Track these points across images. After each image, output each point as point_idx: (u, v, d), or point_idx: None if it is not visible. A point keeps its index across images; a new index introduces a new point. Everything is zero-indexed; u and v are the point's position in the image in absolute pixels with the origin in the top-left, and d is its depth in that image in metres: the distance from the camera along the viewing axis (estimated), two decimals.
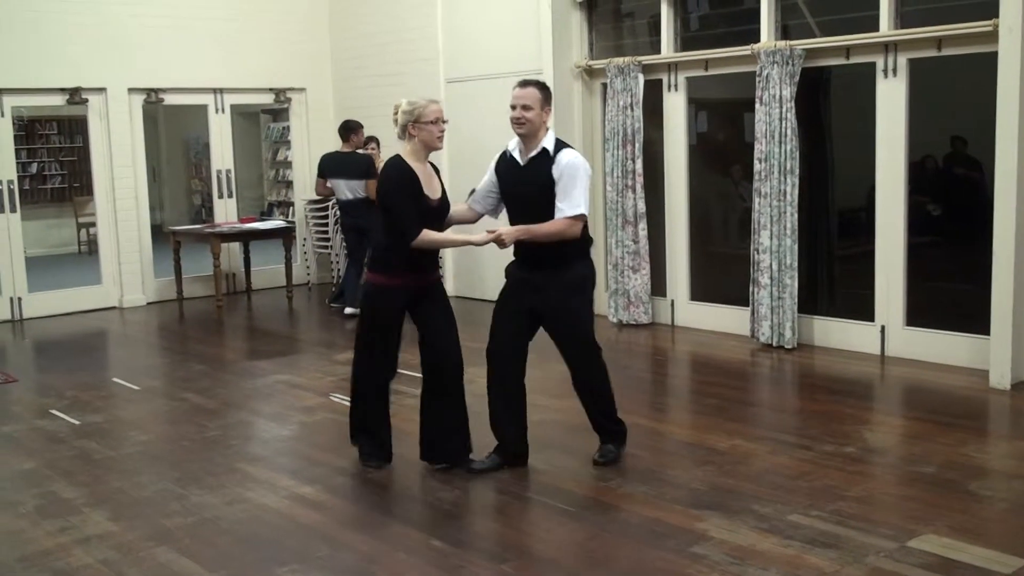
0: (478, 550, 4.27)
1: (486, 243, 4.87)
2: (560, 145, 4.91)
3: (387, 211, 4.88)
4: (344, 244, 11.02)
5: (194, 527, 4.56)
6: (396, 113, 4.99)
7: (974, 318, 6.88)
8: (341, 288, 10.33)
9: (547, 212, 4.82)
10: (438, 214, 4.99)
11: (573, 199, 4.78)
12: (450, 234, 5.27)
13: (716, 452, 5.36)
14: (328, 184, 9.62)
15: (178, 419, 6.41)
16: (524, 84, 4.93)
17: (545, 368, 7.45)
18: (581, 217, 4.82)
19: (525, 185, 4.91)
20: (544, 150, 4.86)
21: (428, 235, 4.85)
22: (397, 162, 4.92)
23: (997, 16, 6.37)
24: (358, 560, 4.19)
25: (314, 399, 6.74)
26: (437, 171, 5.11)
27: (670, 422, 6.12)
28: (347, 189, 9.44)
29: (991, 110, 6.39)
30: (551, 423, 6.00)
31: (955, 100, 7.55)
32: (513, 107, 4.87)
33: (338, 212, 10.31)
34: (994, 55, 6.40)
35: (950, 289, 7.88)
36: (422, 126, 4.89)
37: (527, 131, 4.86)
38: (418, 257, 4.93)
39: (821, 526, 4.30)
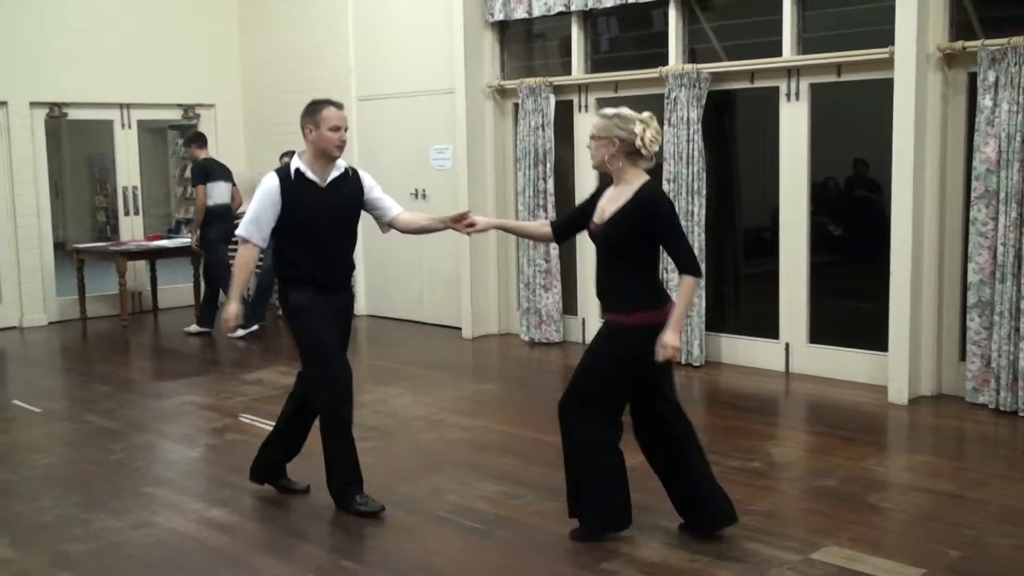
0: (389, 570, 4.25)
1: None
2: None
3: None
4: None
5: (98, 553, 4.46)
6: None
7: (874, 335, 7.09)
8: (251, 307, 10.19)
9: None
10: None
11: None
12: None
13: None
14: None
15: (81, 442, 6.26)
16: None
17: (458, 387, 7.50)
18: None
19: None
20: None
21: None
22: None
23: (893, 44, 6.61)
24: None
25: (223, 420, 6.64)
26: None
27: None
28: (227, 193, 9.76)
29: (887, 134, 6.62)
30: (461, 442, 6.01)
31: (857, 124, 7.80)
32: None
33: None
34: (887, 81, 6.63)
35: (851, 307, 8.11)
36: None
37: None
38: None
39: (728, 540, 4.38)
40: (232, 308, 4.78)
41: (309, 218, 4.71)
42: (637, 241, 4.26)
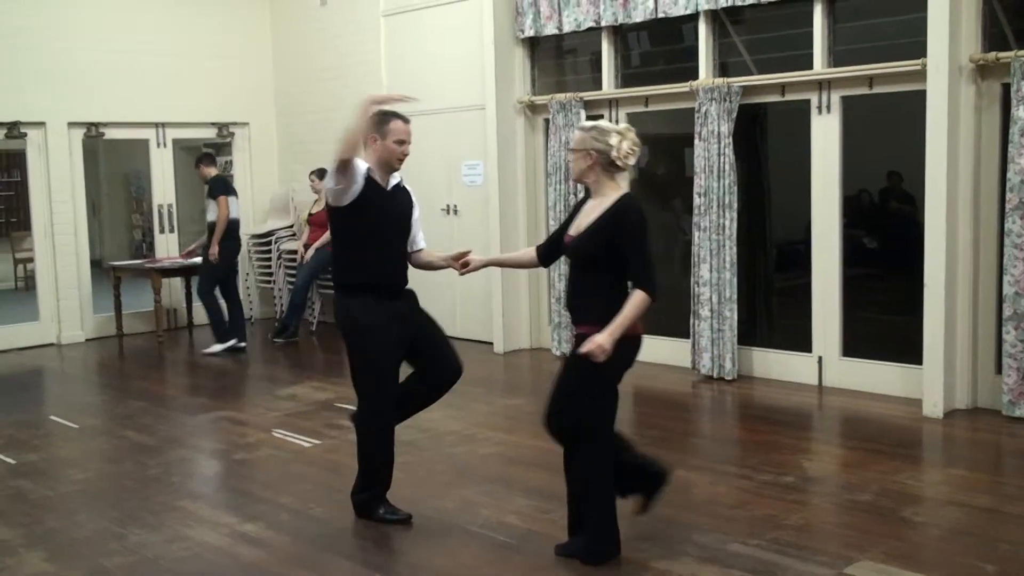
0: None
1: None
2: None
3: None
4: (286, 278, 11.01)
5: (134, 567, 4.50)
6: None
7: (908, 348, 7.05)
8: (284, 323, 10.29)
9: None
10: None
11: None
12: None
13: None
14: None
15: (117, 457, 6.33)
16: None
17: (491, 402, 7.50)
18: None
19: None
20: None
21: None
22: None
23: (924, 55, 6.58)
24: None
25: (256, 435, 6.69)
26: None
27: None
28: (238, 208, 9.89)
29: (922, 146, 6.58)
30: (493, 457, 6.02)
31: (890, 136, 7.74)
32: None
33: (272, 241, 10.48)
34: (919, 92, 6.61)
35: (885, 320, 8.06)
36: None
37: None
38: None
39: (760, 555, 4.36)
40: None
41: (377, 217, 4.78)
42: (612, 253, 4.21)
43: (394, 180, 4.89)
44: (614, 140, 4.27)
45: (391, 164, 4.82)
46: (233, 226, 9.70)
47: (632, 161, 4.33)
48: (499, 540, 4.68)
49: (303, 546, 4.73)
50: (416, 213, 5.03)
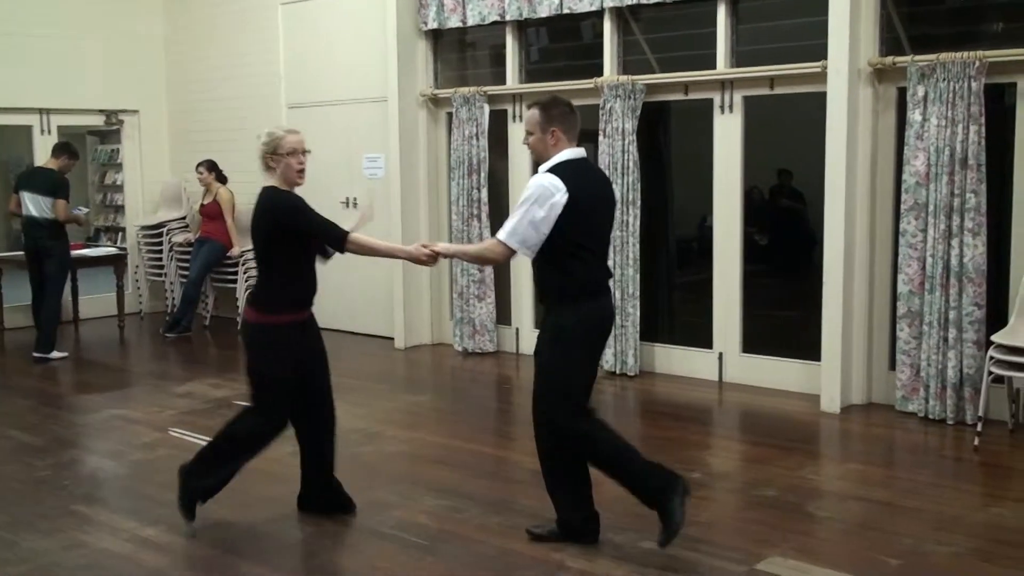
0: None
1: (419, 258, 4.62)
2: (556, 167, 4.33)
3: (303, 233, 4.61)
4: (178, 271, 10.70)
5: None
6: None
7: (801, 345, 7.23)
8: (176, 317, 9.99)
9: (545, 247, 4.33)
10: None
11: (508, 223, 4.33)
12: (380, 240, 5.00)
13: None
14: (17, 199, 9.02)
15: (3, 458, 6.03)
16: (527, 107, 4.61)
17: (394, 399, 7.41)
18: (500, 243, 4.33)
19: None
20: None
21: (361, 238, 4.63)
22: (274, 190, 4.67)
23: (824, 58, 6.73)
24: None
25: (152, 434, 6.47)
26: None
27: (518, 450, 6.08)
28: (32, 205, 8.87)
29: (812, 144, 6.73)
30: (400, 455, 5.94)
31: (780, 134, 7.88)
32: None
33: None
34: (818, 94, 6.78)
35: (778, 316, 8.24)
36: (279, 158, 4.68)
37: (535, 159, 4.51)
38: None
39: (673, 552, 4.38)
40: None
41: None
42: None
43: None
44: None
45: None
46: (24, 223, 9.11)
47: None
48: (412, 541, 4.61)
49: (208, 550, 4.59)
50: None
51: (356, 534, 4.75)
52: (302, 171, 4.70)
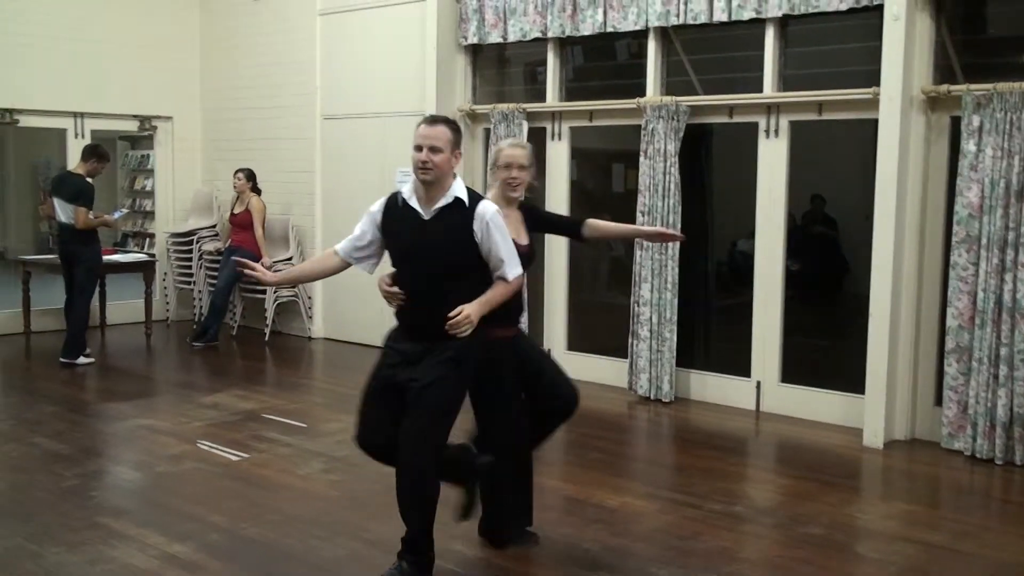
0: None
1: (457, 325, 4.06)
2: (475, 195, 4.20)
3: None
4: (207, 279, 10.62)
5: None
6: None
7: (836, 375, 7.10)
8: (204, 326, 9.90)
9: (458, 272, 4.15)
10: (524, 260, 4.40)
11: (511, 257, 4.18)
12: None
13: (605, 509, 5.25)
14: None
15: (29, 467, 5.92)
16: (433, 121, 4.16)
17: None
18: (519, 278, 4.28)
19: (431, 242, 4.13)
20: (457, 200, 4.14)
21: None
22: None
23: (873, 84, 6.58)
24: None
25: (180, 446, 6.35)
26: (534, 216, 4.72)
27: (554, 476, 5.95)
28: (60, 211, 8.82)
29: (845, 171, 6.57)
30: None
31: (813, 160, 7.67)
32: (419, 148, 4.08)
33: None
34: (853, 120, 6.72)
35: (812, 345, 8.07)
36: (496, 170, 4.59)
37: (433, 177, 4.09)
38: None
39: None
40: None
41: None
42: None
43: (444, 200, 4.15)
44: None
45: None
46: (58, 228, 9.06)
47: None
48: (451, 569, 4.45)
49: (237, 570, 4.44)
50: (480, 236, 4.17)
51: (391, 561, 4.60)
52: (513, 184, 4.56)
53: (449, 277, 4.12)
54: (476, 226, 4.09)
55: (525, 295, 4.83)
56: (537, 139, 8.57)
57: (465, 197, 4.14)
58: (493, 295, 4.16)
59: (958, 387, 6.35)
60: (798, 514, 5.26)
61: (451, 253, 4.12)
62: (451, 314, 4.00)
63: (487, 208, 4.14)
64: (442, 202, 4.11)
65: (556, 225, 5.09)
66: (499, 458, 4.46)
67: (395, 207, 4.22)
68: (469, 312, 4.02)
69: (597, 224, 4.80)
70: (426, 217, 4.13)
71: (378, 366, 4.27)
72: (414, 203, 4.15)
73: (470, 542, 4.76)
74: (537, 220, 4.75)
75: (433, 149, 4.05)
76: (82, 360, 8.80)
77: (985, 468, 6.09)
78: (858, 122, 7.25)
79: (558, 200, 8.51)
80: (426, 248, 4.12)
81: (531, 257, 4.63)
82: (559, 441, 7.05)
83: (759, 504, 5.46)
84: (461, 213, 4.11)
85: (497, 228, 4.12)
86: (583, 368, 8.44)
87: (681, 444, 6.89)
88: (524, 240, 4.55)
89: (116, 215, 9.52)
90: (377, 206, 4.27)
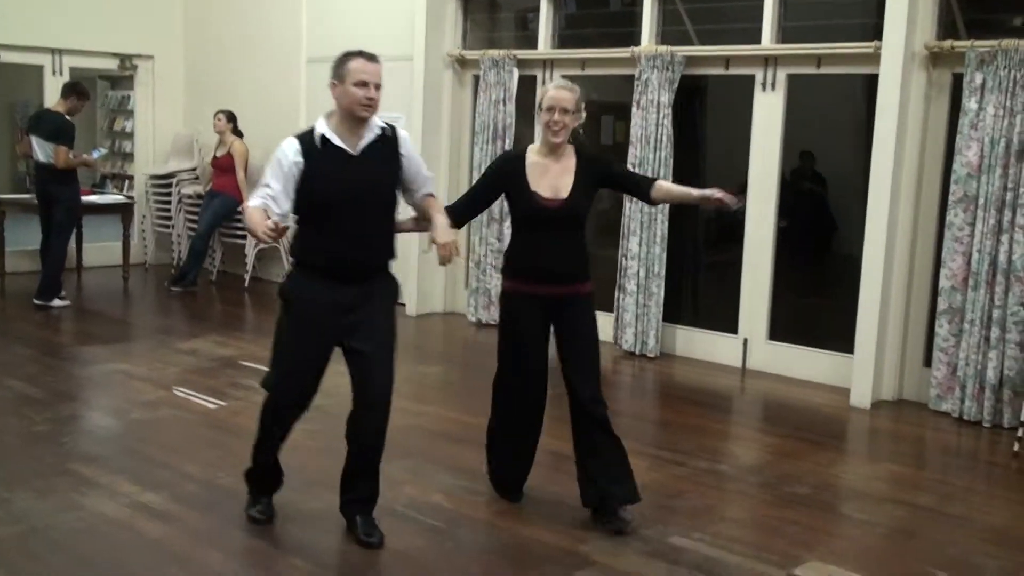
0: (345, 572, 3.93)
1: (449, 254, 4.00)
2: (387, 123, 4.07)
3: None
4: (186, 223, 10.43)
5: (21, 538, 4.04)
6: None
7: (824, 333, 7.03)
8: (183, 270, 9.71)
9: (388, 207, 4.09)
10: (545, 215, 4.25)
11: (429, 176, 4.21)
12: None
13: None
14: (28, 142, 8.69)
15: (0, 409, 5.78)
16: (372, 58, 3.95)
17: (404, 368, 7.13)
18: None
19: (366, 178, 3.96)
20: (382, 131, 4.00)
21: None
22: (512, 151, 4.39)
23: (873, 38, 6.42)
24: None
25: (155, 392, 6.21)
26: (597, 170, 4.38)
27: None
28: (39, 149, 8.57)
29: (835, 127, 6.41)
30: (411, 429, 5.67)
31: (802, 116, 7.46)
32: (364, 84, 3.86)
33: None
34: (844, 75, 6.64)
35: (800, 303, 7.96)
36: (540, 113, 4.33)
37: (371, 114, 3.94)
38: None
39: (705, 551, 4.14)
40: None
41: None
42: (590, 206, 4.41)
43: (371, 134, 3.99)
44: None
45: (355, 113, 3.92)
46: (35, 167, 8.86)
47: None
48: (428, 523, 4.35)
49: (212, 522, 4.32)
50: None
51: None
52: (552, 127, 4.28)
53: (386, 212, 4.07)
54: (403, 150, 4.06)
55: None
56: (528, 87, 8.38)
57: (386, 127, 4.04)
58: (442, 213, 4.17)
59: (948, 348, 6.26)
60: (784, 473, 5.17)
61: (389, 186, 4.06)
62: (441, 242, 3.97)
63: (404, 131, 4.14)
64: (369, 136, 3.97)
65: (624, 183, 4.63)
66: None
67: (315, 149, 3.93)
68: (448, 240, 4.00)
69: (665, 186, 4.50)
70: (355, 153, 3.96)
71: (302, 320, 4.02)
72: (337, 141, 3.95)
73: (451, 496, 4.66)
74: (601, 174, 4.41)
75: (379, 87, 3.93)
76: (57, 303, 8.62)
77: (973, 430, 6.02)
78: (848, 77, 7.10)
79: None
80: (362, 185, 3.96)
81: (570, 214, 4.29)
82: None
83: (745, 463, 5.38)
84: (387, 143, 4.02)
85: (412, 145, 4.15)
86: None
87: (667, 400, 6.80)
88: (563, 194, 4.26)
89: (96, 154, 9.29)
90: (291, 155, 3.93)
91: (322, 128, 3.95)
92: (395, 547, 4.10)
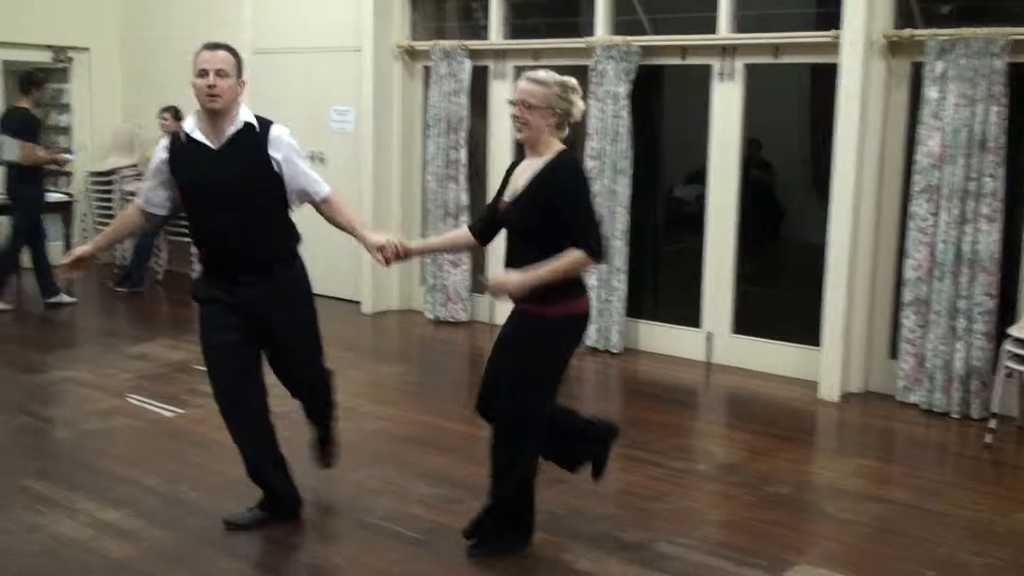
0: None
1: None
2: (265, 120, 3.97)
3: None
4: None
5: None
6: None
7: (785, 325, 7.02)
8: (128, 271, 9.41)
9: (262, 200, 3.98)
10: (502, 222, 3.97)
11: (315, 176, 4.10)
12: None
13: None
14: None
15: None
16: (215, 47, 3.87)
17: (366, 370, 6.97)
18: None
19: (226, 173, 3.89)
20: (247, 125, 3.92)
21: None
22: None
23: (831, 28, 6.38)
24: None
25: (108, 400, 5.97)
26: (547, 177, 3.78)
27: None
28: (6, 148, 8.33)
29: (781, 114, 6.35)
30: (381, 434, 5.52)
31: (748, 103, 7.40)
32: (204, 73, 3.80)
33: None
34: (790, 65, 6.62)
35: (759, 295, 7.91)
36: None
37: (222, 105, 3.83)
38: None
39: (693, 557, 4.05)
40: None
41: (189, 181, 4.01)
42: (552, 218, 3.69)
43: (233, 128, 3.91)
44: (577, 101, 3.89)
45: (202, 104, 3.88)
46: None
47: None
48: (405, 536, 4.21)
49: (179, 540, 4.13)
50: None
51: (341, 524, 4.35)
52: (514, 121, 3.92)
53: (259, 206, 3.97)
54: (272, 151, 3.93)
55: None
56: (479, 79, 8.24)
57: (255, 122, 3.93)
58: (355, 219, 4.21)
59: (915, 340, 6.25)
60: (762, 472, 5.10)
61: (256, 179, 3.94)
62: (378, 246, 4.05)
63: (280, 130, 3.97)
64: (231, 130, 3.89)
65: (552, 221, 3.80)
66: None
67: (179, 145, 3.99)
68: (380, 242, 4.06)
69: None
70: (215, 148, 3.90)
71: (207, 319, 4.08)
72: (199, 136, 3.91)
73: (429, 507, 4.52)
74: (549, 193, 3.76)
75: (220, 73, 3.81)
76: (64, 298, 8.68)
77: (942, 422, 6.01)
78: (794, 66, 7.05)
79: (501, 146, 8.19)
80: (223, 179, 3.88)
81: (509, 223, 3.90)
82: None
83: (721, 461, 5.30)
84: (252, 138, 3.91)
85: (294, 150, 4.00)
86: None
87: (633, 397, 6.71)
88: (510, 199, 3.89)
89: (72, 156, 9.13)
90: (160, 152, 4.04)
91: (188, 124, 3.95)
92: (372, 563, 3.96)
